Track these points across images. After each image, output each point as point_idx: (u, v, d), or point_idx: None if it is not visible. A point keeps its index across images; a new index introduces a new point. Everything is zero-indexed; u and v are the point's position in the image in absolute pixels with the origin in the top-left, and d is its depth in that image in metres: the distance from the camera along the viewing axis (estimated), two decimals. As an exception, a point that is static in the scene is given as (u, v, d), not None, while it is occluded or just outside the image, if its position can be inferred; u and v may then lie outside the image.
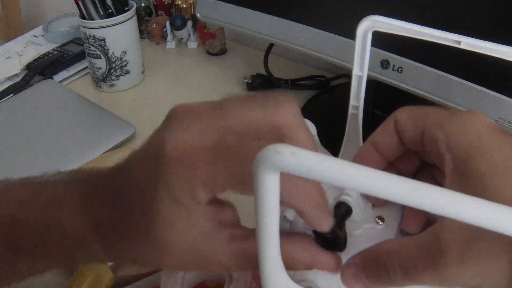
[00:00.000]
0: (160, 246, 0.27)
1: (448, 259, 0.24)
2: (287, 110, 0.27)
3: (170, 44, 0.96)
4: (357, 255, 0.27)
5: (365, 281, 0.26)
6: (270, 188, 0.21)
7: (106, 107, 0.75)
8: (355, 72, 0.36)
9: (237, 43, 0.94)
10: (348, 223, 0.29)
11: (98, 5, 0.77)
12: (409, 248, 0.25)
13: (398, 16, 0.34)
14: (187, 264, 0.28)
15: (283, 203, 0.26)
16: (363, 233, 0.30)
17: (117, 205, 0.28)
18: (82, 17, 0.78)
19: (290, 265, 0.25)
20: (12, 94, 0.82)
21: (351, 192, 0.30)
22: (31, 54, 0.93)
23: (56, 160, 0.65)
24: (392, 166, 0.32)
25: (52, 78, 0.86)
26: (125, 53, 0.80)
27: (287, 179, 0.22)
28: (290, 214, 0.30)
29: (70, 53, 0.91)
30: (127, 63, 0.81)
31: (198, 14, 0.73)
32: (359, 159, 0.32)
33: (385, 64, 0.54)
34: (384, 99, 0.60)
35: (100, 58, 0.79)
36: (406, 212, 0.31)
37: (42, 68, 0.87)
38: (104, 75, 0.81)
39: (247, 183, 0.24)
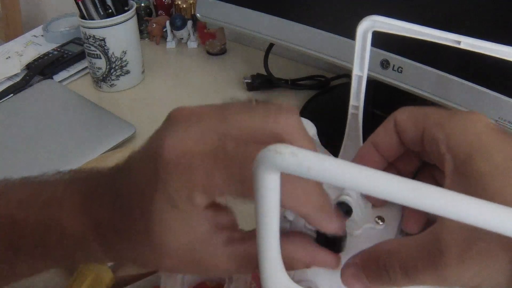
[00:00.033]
0: (158, 247, 0.27)
1: (448, 259, 0.24)
2: (288, 118, 0.26)
3: (170, 44, 0.96)
4: (357, 255, 0.27)
5: (365, 281, 0.26)
6: (270, 188, 0.21)
7: (106, 107, 0.75)
8: (355, 72, 0.36)
9: (237, 43, 0.94)
10: (348, 223, 0.29)
11: (98, 5, 0.77)
12: (409, 248, 0.25)
13: (398, 16, 0.34)
14: (184, 267, 0.28)
15: (286, 208, 0.26)
16: (363, 233, 0.30)
17: (117, 205, 0.28)
18: (82, 17, 0.78)
19: (289, 265, 0.25)
20: (12, 94, 0.82)
21: (351, 192, 0.30)
22: (31, 54, 0.93)
23: (56, 160, 0.65)
24: (392, 166, 0.32)
25: (52, 78, 0.86)
26: (125, 53, 0.80)
27: (288, 184, 0.22)
28: (290, 214, 0.30)
29: (70, 53, 0.91)
30: (127, 63, 0.81)
31: (198, 14, 0.73)
32: (359, 159, 0.32)
33: (385, 64, 0.54)
34: (384, 99, 0.60)
35: (100, 58, 0.79)
36: (406, 212, 0.31)
37: (42, 68, 0.87)
38: (104, 75, 0.81)
39: (246, 190, 0.25)
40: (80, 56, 0.89)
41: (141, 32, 0.91)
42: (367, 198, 0.32)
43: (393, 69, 0.53)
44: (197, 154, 0.25)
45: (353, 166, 0.19)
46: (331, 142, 0.40)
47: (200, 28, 0.91)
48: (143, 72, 0.85)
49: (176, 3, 0.96)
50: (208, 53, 0.92)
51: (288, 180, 0.23)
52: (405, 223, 0.31)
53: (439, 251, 0.24)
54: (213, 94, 0.81)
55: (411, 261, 0.25)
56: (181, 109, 0.27)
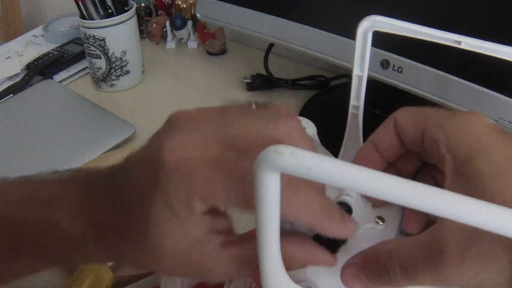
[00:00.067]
0: (155, 250, 0.27)
1: (448, 259, 0.24)
2: (288, 123, 0.26)
3: (170, 44, 0.96)
4: (357, 255, 0.27)
5: (365, 281, 0.26)
6: (270, 188, 0.21)
7: (106, 107, 0.75)
8: (355, 72, 0.36)
9: (237, 43, 0.94)
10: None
11: (98, 5, 0.77)
12: (409, 248, 0.25)
13: (398, 16, 0.34)
14: (180, 271, 0.28)
15: (290, 221, 0.26)
16: (363, 233, 0.30)
17: (117, 205, 0.28)
18: (82, 17, 0.78)
19: (289, 265, 0.25)
20: (12, 94, 0.82)
21: (351, 192, 0.30)
22: (31, 54, 0.93)
23: (56, 160, 0.65)
24: (392, 166, 0.32)
25: (52, 78, 0.86)
26: (125, 53, 0.80)
27: (289, 197, 0.22)
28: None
29: (70, 53, 0.91)
30: (127, 63, 0.81)
31: (198, 14, 0.73)
32: (359, 159, 0.32)
33: (385, 64, 0.54)
34: (384, 99, 0.60)
35: (100, 58, 0.79)
36: (406, 212, 0.31)
37: (42, 68, 0.87)
38: (104, 75, 0.81)
39: (245, 200, 0.25)
40: (80, 56, 0.89)
41: (141, 32, 0.91)
42: (367, 198, 0.32)
43: (393, 69, 0.53)
44: (196, 160, 0.25)
45: (353, 167, 0.19)
46: (331, 142, 0.40)
47: (200, 28, 0.91)
48: (143, 72, 0.85)
49: (176, 3, 0.96)
50: (208, 53, 0.92)
51: (288, 190, 0.23)
52: (405, 223, 0.31)
53: (439, 251, 0.24)
54: (213, 94, 0.81)
55: (411, 261, 0.25)
56: (181, 112, 0.27)
